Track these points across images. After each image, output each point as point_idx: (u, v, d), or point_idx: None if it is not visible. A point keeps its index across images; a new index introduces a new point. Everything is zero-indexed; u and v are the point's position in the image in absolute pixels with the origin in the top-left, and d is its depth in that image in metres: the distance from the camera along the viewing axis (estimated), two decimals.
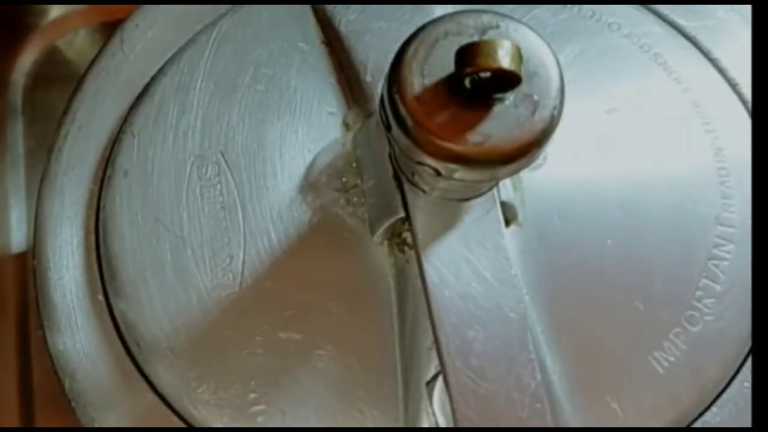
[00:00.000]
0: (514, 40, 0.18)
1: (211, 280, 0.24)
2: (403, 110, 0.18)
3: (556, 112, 0.18)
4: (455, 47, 0.18)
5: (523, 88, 0.18)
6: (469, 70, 0.17)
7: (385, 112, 0.19)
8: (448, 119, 0.18)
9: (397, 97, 0.19)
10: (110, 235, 0.25)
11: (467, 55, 0.17)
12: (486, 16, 0.19)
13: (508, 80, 0.18)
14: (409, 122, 0.18)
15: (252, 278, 0.24)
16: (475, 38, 0.18)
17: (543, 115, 0.18)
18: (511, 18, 0.19)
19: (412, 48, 0.19)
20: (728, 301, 0.24)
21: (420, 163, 0.19)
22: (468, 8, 0.19)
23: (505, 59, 0.17)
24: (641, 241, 0.24)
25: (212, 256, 0.25)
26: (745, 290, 0.24)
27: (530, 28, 0.19)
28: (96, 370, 0.25)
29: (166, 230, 0.25)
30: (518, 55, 0.17)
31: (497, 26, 0.19)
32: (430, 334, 0.22)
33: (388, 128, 0.19)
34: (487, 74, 0.18)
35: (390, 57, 0.19)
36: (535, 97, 0.18)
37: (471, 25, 0.19)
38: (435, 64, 0.19)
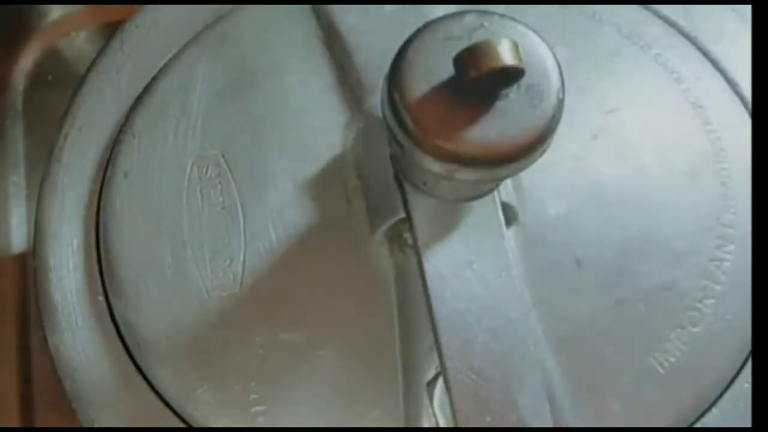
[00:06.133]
0: (501, 35, 0.18)
1: (212, 281, 0.24)
2: (404, 113, 0.18)
3: (561, 96, 0.18)
4: (451, 50, 0.18)
5: (524, 79, 0.18)
6: (474, 74, 0.17)
7: (386, 114, 0.19)
8: (450, 120, 0.18)
9: (397, 100, 0.19)
10: (110, 235, 0.25)
11: (467, 59, 0.18)
12: (468, 16, 0.19)
13: (511, 75, 0.18)
14: (411, 125, 0.18)
15: (252, 279, 0.24)
16: (465, 41, 0.18)
17: (550, 101, 0.18)
18: (493, 13, 0.19)
19: (410, 51, 0.19)
20: (729, 302, 0.24)
21: (422, 167, 0.19)
22: (465, 8, 0.19)
23: (506, 56, 0.17)
24: (642, 242, 0.24)
25: (212, 257, 0.25)
26: (745, 291, 0.24)
27: (513, 19, 0.19)
28: (96, 370, 0.24)
29: (167, 231, 0.25)
30: (516, 49, 0.18)
31: (482, 25, 0.19)
32: (431, 334, 0.22)
33: (390, 130, 0.19)
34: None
35: (390, 58, 0.19)
36: (538, 86, 0.18)
37: (456, 29, 0.19)
38: (435, 66, 0.19)
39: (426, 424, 0.23)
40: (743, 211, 0.25)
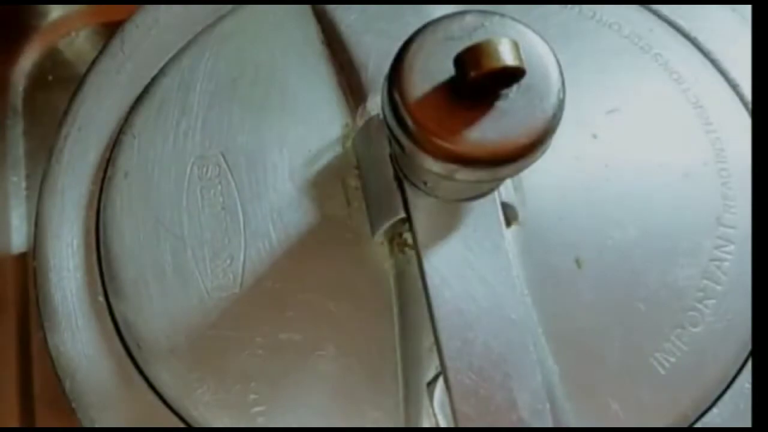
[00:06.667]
0: (502, 35, 0.18)
1: (212, 281, 0.24)
2: (404, 113, 0.18)
3: (561, 95, 0.19)
4: (451, 50, 0.18)
5: (524, 79, 0.18)
6: (474, 74, 0.17)
7: (386, 114, 0.19)
8: (450, 120, 0.18)
9: (397, 100, 0.19)
10: (110, 235, 0.25)
11: (468, 58, 0.18)
12: (468, 16, 0.19)
13: (512, 75, 0.18)
14: (411, 124, 0.18)
15: (252, 279, 0.24)
16: (465, 41, 0.18)
17: (550, 101, 0.18)
18: (493, 13, 0.19)
19: (411, 51, 0.19)
20: (729, 302, 0.24)
21: (423, 167, 0.19)
22: (464, 8, 0.19)
23: (507, 56, 0.17)
24: (642, 242, 0.24)
25: (212, 257, 0.25)
26: (746, 291, 0.24)
27: (513, 19, 0.19)
28: (96, 371, 0.24)
29: (167, 231, 0.25)
30: (517, 49, 0.18)
31: (482, 25, 0.19)
32: (431, 334, 0.22)
33: (390, 130, 0.19)
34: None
35: (390, 58, 0.19)
36: (538, 86, 0.18)
37: (456, 29, 0.19)
38: (435, 66, 0.19)
39: (426, 424, 0.23)
40: (743, 211, 0.25)
